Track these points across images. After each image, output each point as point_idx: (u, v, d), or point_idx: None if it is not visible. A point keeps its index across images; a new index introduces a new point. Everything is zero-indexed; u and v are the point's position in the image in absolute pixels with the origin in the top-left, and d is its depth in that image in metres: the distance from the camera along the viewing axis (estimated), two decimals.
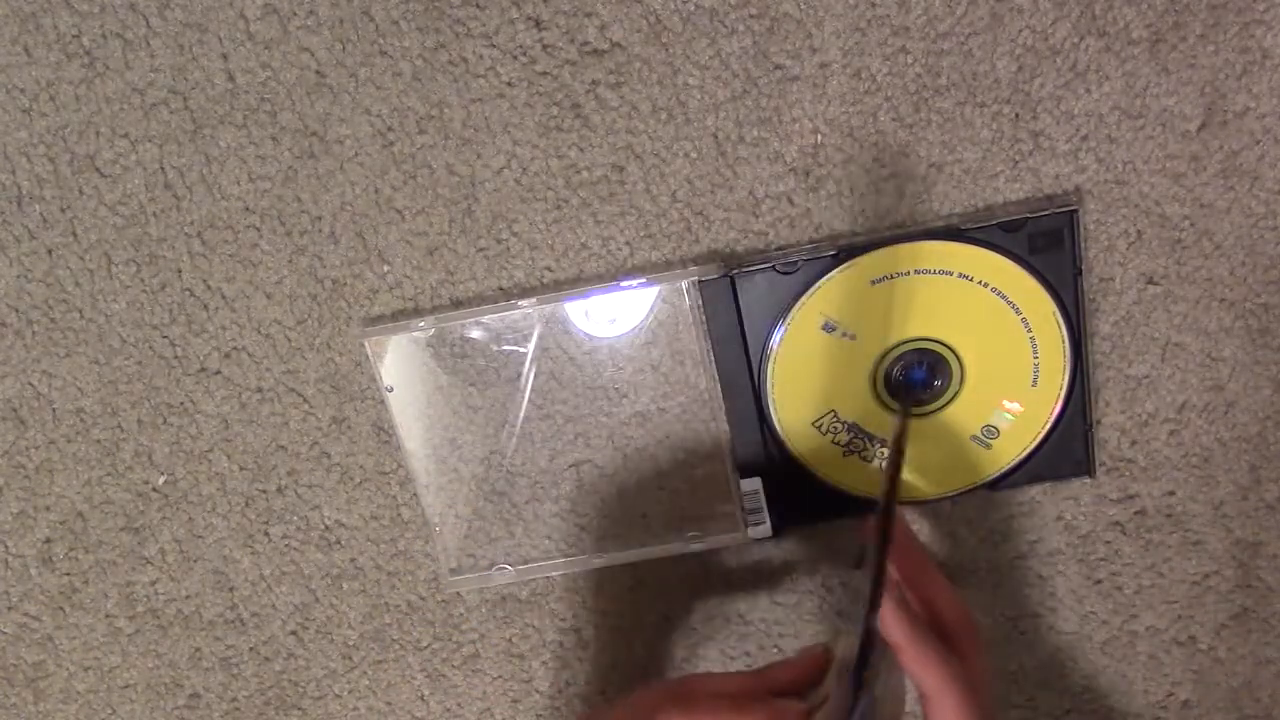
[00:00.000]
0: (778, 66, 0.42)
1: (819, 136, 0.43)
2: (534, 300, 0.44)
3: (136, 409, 0.47)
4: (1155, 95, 0.42)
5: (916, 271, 0.42)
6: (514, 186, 0.44)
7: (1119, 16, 0.41)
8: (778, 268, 0.42)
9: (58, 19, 0.43)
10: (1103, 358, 0.45)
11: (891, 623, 0.36)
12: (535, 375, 0.45)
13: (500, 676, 0.49)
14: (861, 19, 0.42)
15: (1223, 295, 0.44)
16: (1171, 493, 0.46)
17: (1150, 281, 0.44)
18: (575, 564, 0.47)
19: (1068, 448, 0.45)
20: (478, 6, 0.42)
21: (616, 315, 0.45)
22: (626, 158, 0.43)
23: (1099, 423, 0.46)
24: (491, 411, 0.46)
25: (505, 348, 0.45)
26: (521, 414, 0.46)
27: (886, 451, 0.45)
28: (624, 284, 0.44)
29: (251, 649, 0.49)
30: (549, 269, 0.44)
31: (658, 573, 0.48)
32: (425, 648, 0.49)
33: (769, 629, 0.48)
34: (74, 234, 0.45)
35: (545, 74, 0.43)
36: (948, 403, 0.44)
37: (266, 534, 0.48)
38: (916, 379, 0.44)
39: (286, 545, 0.48)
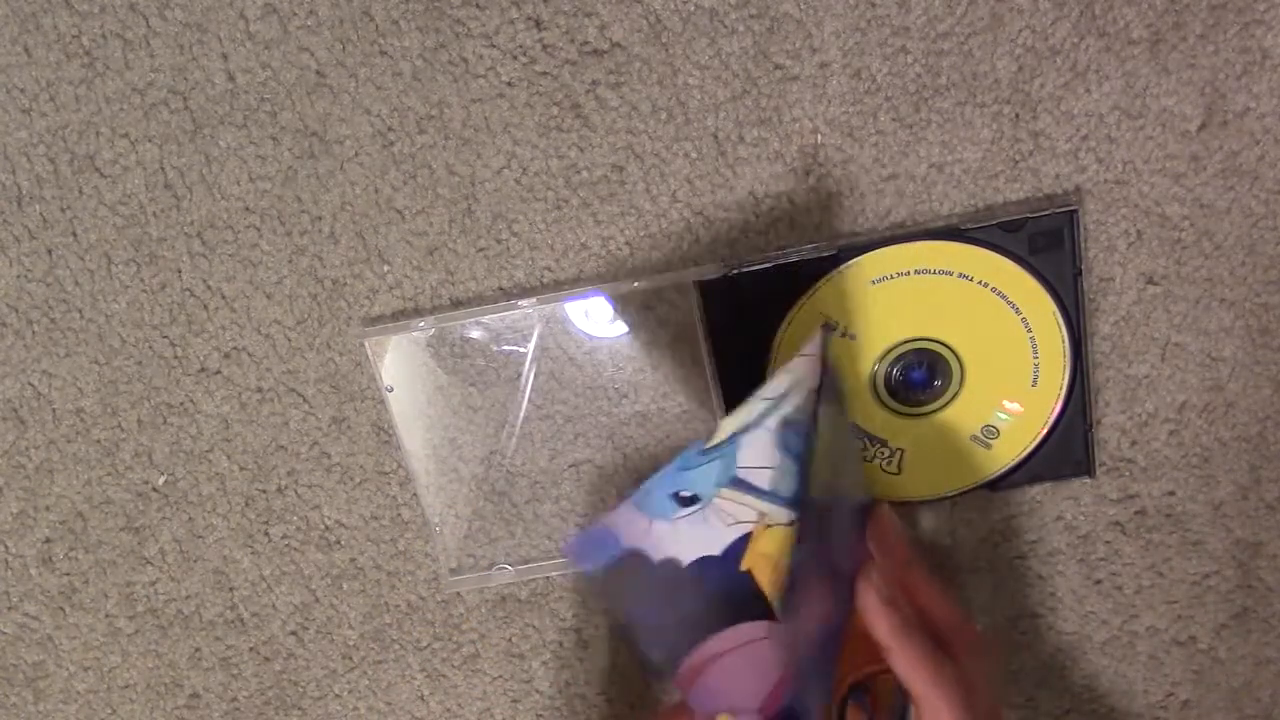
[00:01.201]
0: (778, 66, 0.42)
1: (819, 136, 0.43)
2: (534, 300, 0.44)
3: (136, 409, 0.47)
4: (1155, 95, 0.42)
5: (916, 271, 0.42)
6: (514, 186, 0.44)
7: (1119, 16, 0.41)
8: (778, 268, 0.42)
9: (58, 19, 0.43)
10: (1103, 358, 0.45)
11: (878, 621, 0.36)
12: (535, 375, 0.45)
13: (500, 676, 0.49)
14: (861, 19, 0.42)
15: (1223, 295, 0.44)
16: (1171, 493, 0.47)
17: (1150, 281, 0.44)
18: None
19: (1068, 448, 0.45)
20: (478, 6, 0.42)
21: (616, 315, 0.45)
22: (626, 158, 0.43)
23: (1099, 423, 0.46)
24: (491, 411, 0.46)
25: (505, 348, 0.45)
26: (521, 414, 0.46)
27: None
28: (624, 285, 0.44)
29: (251, 649, 0.49)
30: (549, 269, 0.44)
31: None
32: (425, 648, 0.49)
33: None
34: (74, 234, 0.45)
35: (545, 74, 0.43)
36: (948, 403, 0.44)
37: (266, 534, 0.48)
38: (916, 379, 0.44)
39: (286, 545, 0.48)
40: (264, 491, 0.47)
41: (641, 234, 0.44)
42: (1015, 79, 0.42)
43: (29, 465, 0.47)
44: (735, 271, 0.43)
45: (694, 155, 0.43)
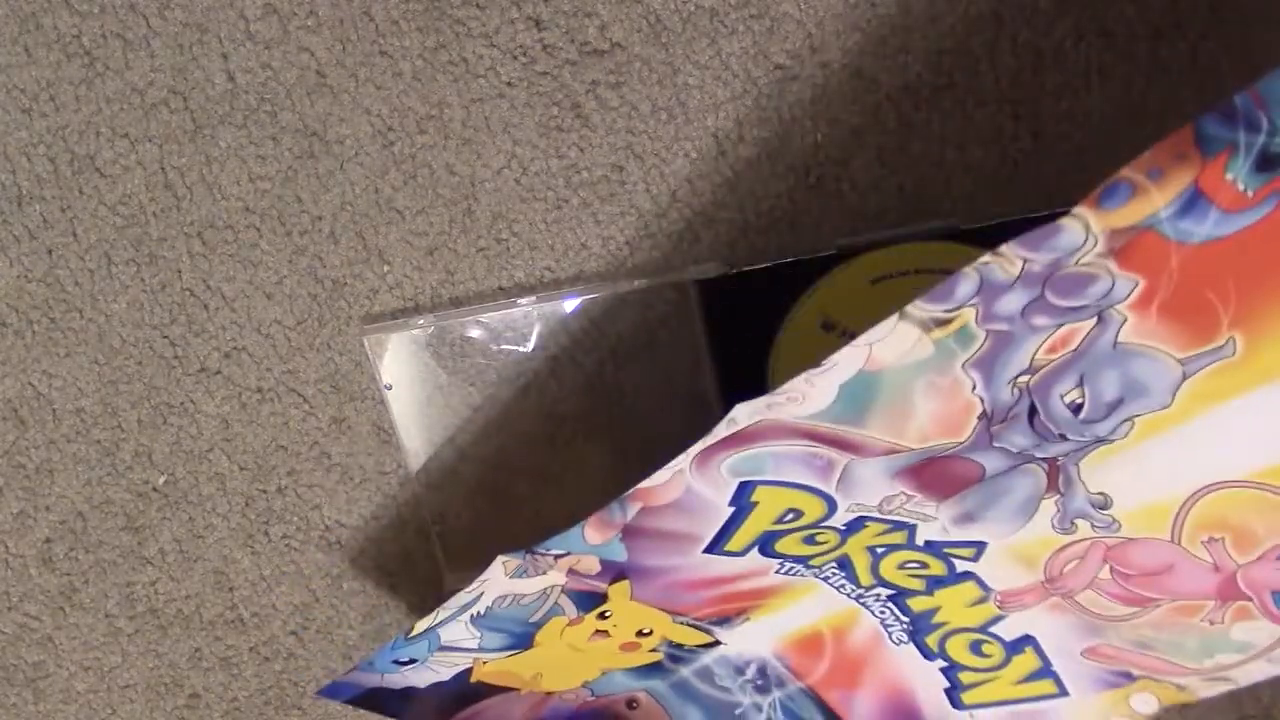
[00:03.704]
0: (778, 66, 0.42)
1: (819, 136, 0.43)
2: (534, 298, 0.44)
3: (136, 409, 0.47)
4: (1155, 95, 0.42)
5: (916, 271, 0.42)
6: (514, 186, 0.44)
7: (1120, 15, 0.41)
8: (778, 268, 0.42)
9: (58, 19, 0.43)
10: None
11: None
12: (535, 375, 0.45)
13: None
14: (861, 19, 0.42)
15: None
16: None
17: None
18: None
19: None
20: (478, 6, 0.42)
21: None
22: (626, 158, 0.43)
23: None
24: (491, 411, 0.46)
25: (505, 347, 0.45)
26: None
27: None
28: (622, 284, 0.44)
29: (251, 649, 0.49)
30: (549, 269, 0.44)
31: None
32: None
33: None
34: (74, 234, 0.45)
35: (545, 74, 0.43)
36: None
37: (266, 534, 0.48)
38: None
39: (286, 545, 0.48)
40: (264, 491, 0.47)
41: (641, 234, 0.44)
42: (1015, 79, 0.42)
43: (29, 465, 0.47)
44: (735, 271, 0.43)
45: (694, 155, 0.43)
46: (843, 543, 0.38)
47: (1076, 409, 0.32)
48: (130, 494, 0.48)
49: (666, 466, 0.35)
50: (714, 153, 0.43)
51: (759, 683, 0.42)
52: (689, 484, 0.36)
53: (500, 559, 0.38)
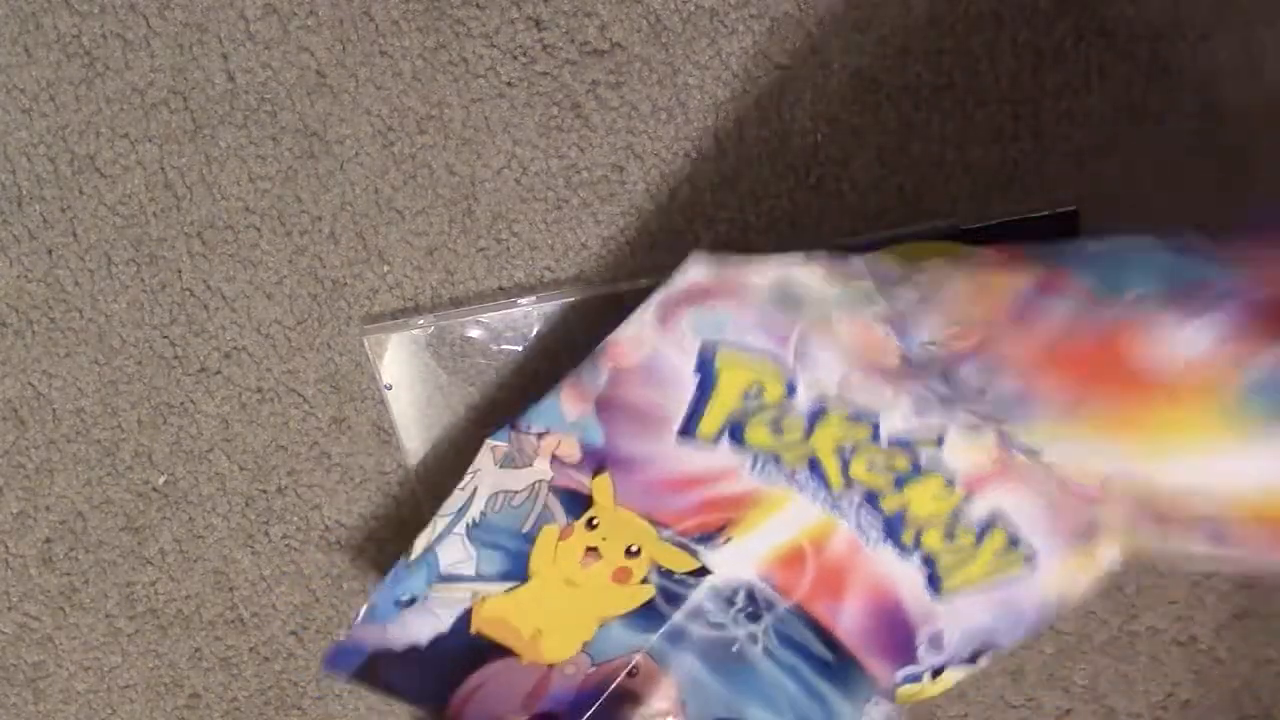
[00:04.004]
0: (778, 66, 0.42)
1: (819, 136, 0.43)
2: (534, 298, 0.44)
3: (136, 409, 0.47)
4: (1155, 95, 0.42)
5: None
6: (514, 186, 0.44)
7: (1120, 15, 0.41)
8: None
9: (58, 19, 0.43)
10: None
11: None
12: (535, 375, 0.45)
13: None
14: (862, 18, 0.42)
15: None
16: None
17: None
18: None
19: None
20: (478, 6, 0.42)
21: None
22: (626, 158, 0.43)
23: None
24: (491, 411, 0.46)
25: (505, 347, 0.45)
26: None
27: None
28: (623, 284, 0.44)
29: (251, 649, 0.49)
30: (549, 269, 0.44)
31: None
32: None
33: None
34: (74, 234, 0.45)
35: (545, 74, 0.43)
36: None
37: (266, 534, 0.48)
38: None
39: (286, 545, 0.48)
40: (264, 491, 0.47)
41: (641, 234, 0.44)
42: (1015, 79, 0.42)
43: (29, 465, 0.47)
44: None
45: (694, 155, 0.43)
46: (809, 433, 0.39)
47: (983, 391, 0.35)
48: (130, 494, 0.48)
49: (631, 318, 0.38)
50: (714, 153, 0.43)
51: (749, 610, 0.43)
52: (655, 345, 0.38)
53: (488, 443, 0.41)
